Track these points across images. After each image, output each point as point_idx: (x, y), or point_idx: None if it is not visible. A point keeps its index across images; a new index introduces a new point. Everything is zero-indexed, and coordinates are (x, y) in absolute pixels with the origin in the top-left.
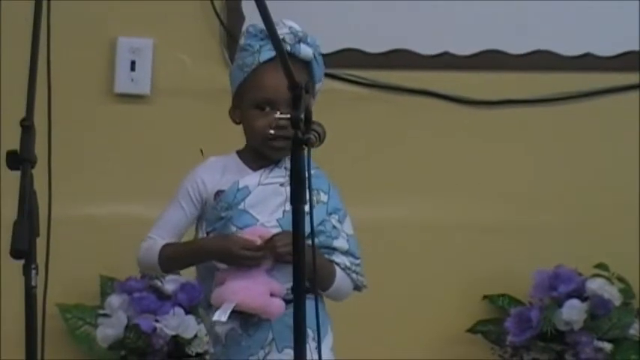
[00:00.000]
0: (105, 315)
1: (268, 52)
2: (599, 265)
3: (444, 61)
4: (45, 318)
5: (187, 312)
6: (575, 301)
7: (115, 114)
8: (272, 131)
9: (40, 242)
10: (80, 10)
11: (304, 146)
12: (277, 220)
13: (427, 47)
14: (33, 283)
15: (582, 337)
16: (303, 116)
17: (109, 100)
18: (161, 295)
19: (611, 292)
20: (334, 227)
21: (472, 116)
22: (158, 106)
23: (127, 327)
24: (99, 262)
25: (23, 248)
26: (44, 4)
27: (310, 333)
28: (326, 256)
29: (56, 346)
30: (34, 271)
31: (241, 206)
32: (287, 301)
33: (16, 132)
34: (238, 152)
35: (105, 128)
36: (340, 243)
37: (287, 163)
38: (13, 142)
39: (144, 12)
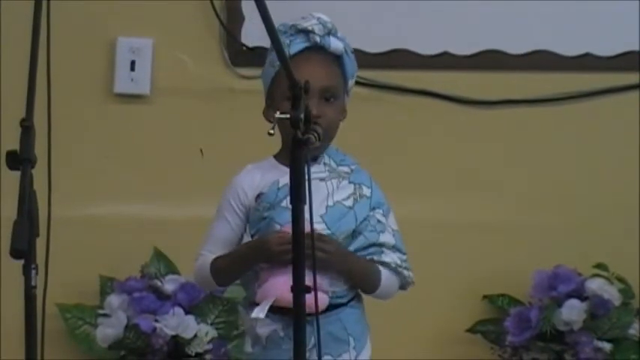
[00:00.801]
0: (104, 315)
1: (298, 45)
2: (599, 265)
3: (444, 61)
4: (45, 318)
5: (187, 312)
6: (574, 301)
7: (115, 114)
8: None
9: (40, 242)
10: (80, 10)
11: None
12: (320, 217)
13: (427, 47)
14: (33, 283)
15: (582, 337)
16: (302, 116)
17: (108, 100)
18: (161, 295)
19: (610, 292)
20: (379, 221)
21: (472, 116)
22: (158, 106)
23: (126, 327)
24: (98, 262)
25: (23, 248)
26: (44, 4)
27: (352, 342)
28: (375, 257)
29: (56, 346)
30: (33, 271)
31: (283, 204)
32: (331, 306)
33: (16, 132)
34: (275, 156)
35: (105, 128)
36: (387, 238)
37: (325, 158)
38: (13, 142)
39: (144, 12)
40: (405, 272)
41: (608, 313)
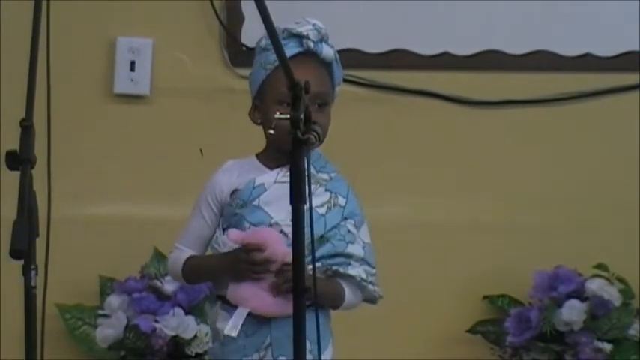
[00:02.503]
0: (104, 315)
1: (292, 49)
2: (599, 266)
3: (444, 61)
4: (44, 318)
5: (187, 312)
6: (574, 302)
7: (115, 114)
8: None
9: (40, 242)
10: (80, 10)
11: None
12: (291, 220)
13: (427, 47)
14: (32, 284)
15: (582, 338)
16: (302, 116)
17: (108, 101)
18: (161, 296)
19: (610, 293)
20: (349, 232)
21: (472, 116)
22: (158, 106)
23: (126, 327)
24: (98, 262)
25: (23, 248)
26: (44, 4)
27: (308, 345)
28: (340, 269)
29: (56, 346)
30: (33, 272)
31: (255, 203)
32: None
33: (16, 132)
34: (257, 155)
35: (104, 128)
36: (355, 249)
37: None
38: (13, 142)
39: (143, 12)
40: (371, 287)
41: (608, 314)
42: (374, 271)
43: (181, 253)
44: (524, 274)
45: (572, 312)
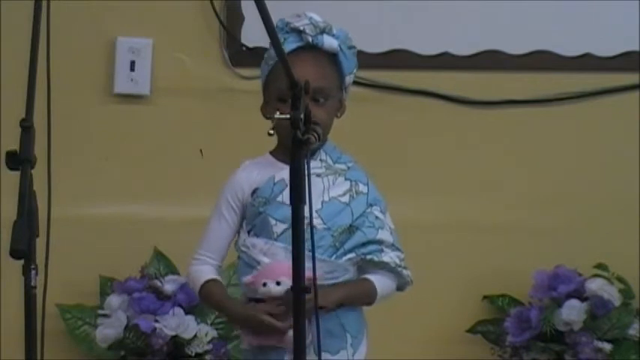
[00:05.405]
0: (104, 315)
1: (292, 44)
2: (599, 266)
3: (444, 61)
4: (44, 318)
5: (187, 312)
6: (574, 302)
7: (115, 114)
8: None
9: (40, 242)
10: (80, 10)
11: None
12: (316, 212)
13: (427, 47)
14: (32, 284)
15: (582, 338)
16: (302, 116)
17: (108, 101)
18: (161, 296)
19: (610, 293)
20: (377, 218)
21: (472, 116)
22: (158, 106)
23: (126, 327)
24: (98, 263)
25: (23, 248)
26: (44, 4)
27: (349, 339)
28: (375, 258)
29: (56, 346)
30: (33, 272)
31: (279, 199)
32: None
33: (16, 132)
34: (271, 152)
35: (104, 128)
36: (385, 235)
37: (322, 155)
38: (13, 142)
39: (143, 12)
40: (404, 272)
41: (608, 314)
42: (403, 256)
43: (202, 267)
44: (524, 274)
45: (572, 312)
